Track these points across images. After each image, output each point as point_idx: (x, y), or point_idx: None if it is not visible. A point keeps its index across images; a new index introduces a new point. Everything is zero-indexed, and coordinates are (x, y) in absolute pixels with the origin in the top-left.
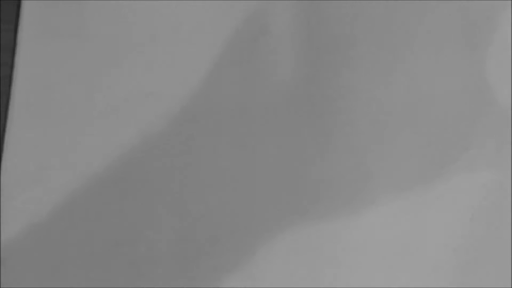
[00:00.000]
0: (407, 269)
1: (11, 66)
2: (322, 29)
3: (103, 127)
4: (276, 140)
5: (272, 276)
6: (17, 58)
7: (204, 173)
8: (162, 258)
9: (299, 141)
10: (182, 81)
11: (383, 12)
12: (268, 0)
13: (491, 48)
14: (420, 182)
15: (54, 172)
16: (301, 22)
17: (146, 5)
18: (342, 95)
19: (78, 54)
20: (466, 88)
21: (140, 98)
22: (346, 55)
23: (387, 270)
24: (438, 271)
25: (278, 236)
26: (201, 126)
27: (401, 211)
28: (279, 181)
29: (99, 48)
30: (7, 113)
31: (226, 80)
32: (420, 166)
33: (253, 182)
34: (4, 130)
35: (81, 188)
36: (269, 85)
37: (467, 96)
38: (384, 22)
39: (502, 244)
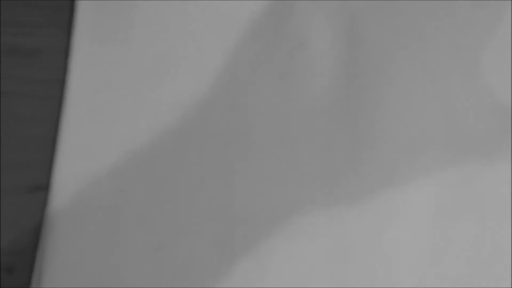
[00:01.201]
0: (433, 267)
1: (64, 70)
2: (359, 44)
3: (149, 129)
4: (310, 151)
5: (313, 283)
6: (71, 61)
7: (243, 178)
8: (202, 261)
9: (333, 153)
10: (224, 91)
11: (419, 29)
12: (306, 15)
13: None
14: (451, 197)
15: (103, 176)
16: (339, 37)
17: (194, 15)
18: (377, 109)
19: (127, 58)
20: (496, 107)
21: (183, 102)
22: (381, 71)
23: (418, 278)
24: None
25: (316, 243)
26: (240, 135)
27: (432, 226)
28: (313, 191)
29: (147, 52)
30: (60, 116)
31: (263, 93)
32: (450, 182)
33: (290, 190)
34: (57, 133)
35: (126, 188)
36: (305, 98)
37: (497, 115)
38: (420, 39)
39: None
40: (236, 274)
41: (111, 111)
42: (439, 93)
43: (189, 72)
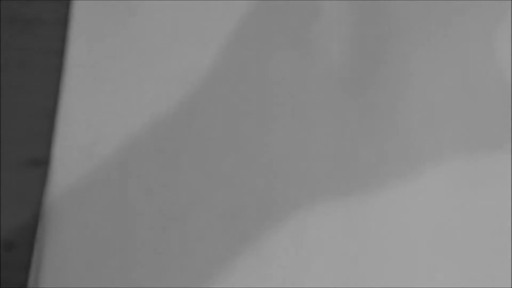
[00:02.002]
0: (450, 249)
1: (63, 40)
2: (376, 12)
3: (154, 101)
4: (325, 124)
5: (323, 251)
6: (70, 31)
7: (254, 149)
8: (212, 236)
9: (347, 122)
10: (234, 61)
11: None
12: None
13: None
14: (466, 164)
15: (103, 146)
16: (355, 5)
17: None
18: (394, 79)
19: (130, 27)
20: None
21: (190, 74)
22: (399, 41)
23: (431, 250)
24: (480, 247)
25: (327, 211)
26: (252, 105)
27: (446, 192)
28: (327, 160)
29: (152, 21)
30: (60, 86)
31: (276, 63)
32: (466, 149)
33: (302, 160)
34: (56, 103)
35: (129, 162)
36: (319, 68)
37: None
38: (440, 12)
39: None
40: (249, 252)
41: (113, 83)
42: (458, 65)
43: (197, 41)
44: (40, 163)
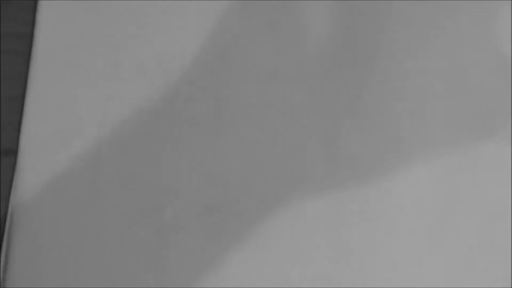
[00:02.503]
0: (441, 239)
1: (32, 24)
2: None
3: (129, 87)
4: (306, 105)
5: (301, 246)
6: (39, 14)
7: (233, 137)
8: (188, 227)
9: (330, 106)
10: (212, 45)
11: None
12: None
13: None
14: (453, 150)
15: (75, 136)
16: None
17: None
18: (377, 61)
19: (104, 10)
20: (501, 62)
21: (166, 60)
22: (383, 19)
23: (421, 238)
24: (470, 237)
25: (310, 204)
26: (231, 90)
27: (434, 180)
28: (310, 147)
29: (127, 4)
30: (28, 74)
31: (255, 44)
32: (454, 136)
33: (284, 148)
34: (25, 91)
35: (103, 152)
36: (300, 49)
37: (502, 70)
38: None
39: None
40: (229, 243)
41: (86, 68)
42: (445, 44)
43: (173, 25)
44: (12, 153)
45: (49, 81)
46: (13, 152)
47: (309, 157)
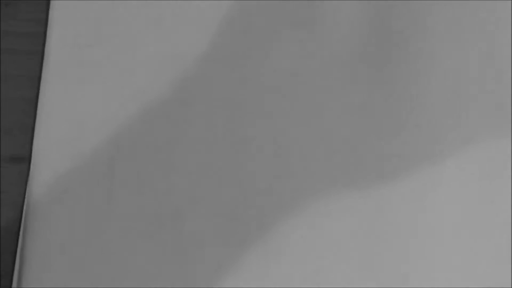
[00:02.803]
0: (476, 251)
1: (46, 24)
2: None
3: (145, 88)
4: (332, 116)
5: (324, 251)
6: (51, 15)
7: (258, 141)
8: (208, 238)
9: (359, 119)
10: (232, 42)
11: None
12: None
13: None
14: (487, 149)
15: (88, 141)
16: None
17: None
18: (409, 62)
19: (119, 7)
20: None
21: (182, 59)
22: (417, 19)
23: (455, 252)
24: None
25: (333, 206)
26: (254, 92)
27: (476, 200)
28: (334, 152)
29: (138, 3)
30: (41, 73)
31: (281, 43)
32: (487, 134)
33: (309, 159)
34: (38, 91)
35: (119, 155)
36: (326, 49)
37: None
38: None
39: None
40: (249, 253)
41: (99, 70)
42: (485, 42)
43: (192, 21)
44: (24, 159)
45: (63, 82)
46: (25, 158)
47: (333, 160)
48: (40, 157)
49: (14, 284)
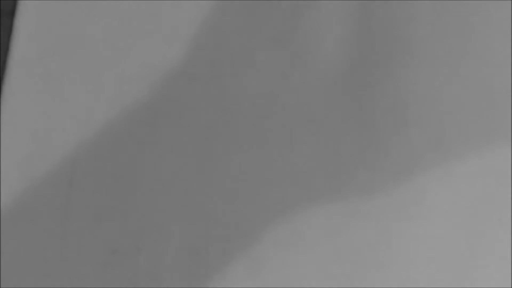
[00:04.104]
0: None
1: (10, 29)
2: (378, 9)
3: (110, 105)
4: (312, 137)
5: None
6: (17, 21)
7: (226, 170)
8: (166, 272)
9: (340, 140)
10: (206, 60)
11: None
12: None
13: None
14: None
15: (46, 159)
16: (353, 3)
17: None
18: (394, 86)
19: (85, 15)
20: None
21: (155, 73)
22: (402, 39)
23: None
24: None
25: (315, 250)
26: (225, 116)
27: (460, 224)
28: (314, 187)
29: (111, 9)
30: (4, 75)
31: (256, 62)
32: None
33: (285, 186)
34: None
35: (76, 178)
36: (308, 70)
37: None
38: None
39: None
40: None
41: (61, 83)
42: (467, 53)
43: (163, 34)
44: None
45: (24, 92)
46: None
47: (314, 184)
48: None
49: None
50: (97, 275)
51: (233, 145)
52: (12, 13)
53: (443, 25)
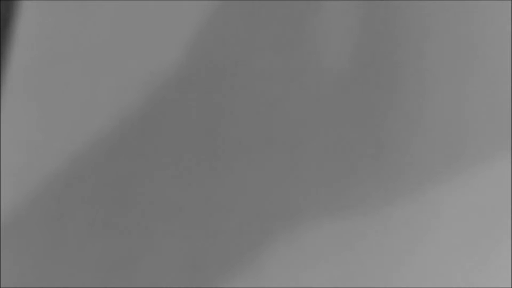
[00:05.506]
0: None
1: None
2: (384, 9)
3: (105, 114)
4: (317, 145)
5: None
6: (16, 29)
7: (227, 181)
8: (165, 281)
9: (345, 140)
10: (204, 65)
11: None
12: None
13: None
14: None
15: (39, 170)
16: (360, 4)
17: None
18: (406, 93)
19: (80, 24)
20: None
21: (150, 80)
22: (412, 42)
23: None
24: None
25: (323, 258)
26: (225, 123)
27: (472, 242)
28: (320, 197)
29: (105, 16)
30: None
31: (258, 68)
32: (495, 184)
33: (288, 197)
34: None
35: (69, 193)
36: (314, 76)
37: None
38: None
39: None
40: None
41: (54, 91)
42: (475, 61)
43: (161, 39)
44: None
45: (22, 99)
46: None
47: (320, 195)
48: None
49: None
50: (93, 284)
51: (234, 150)
52: (10, 18)
53: (451, 28)
